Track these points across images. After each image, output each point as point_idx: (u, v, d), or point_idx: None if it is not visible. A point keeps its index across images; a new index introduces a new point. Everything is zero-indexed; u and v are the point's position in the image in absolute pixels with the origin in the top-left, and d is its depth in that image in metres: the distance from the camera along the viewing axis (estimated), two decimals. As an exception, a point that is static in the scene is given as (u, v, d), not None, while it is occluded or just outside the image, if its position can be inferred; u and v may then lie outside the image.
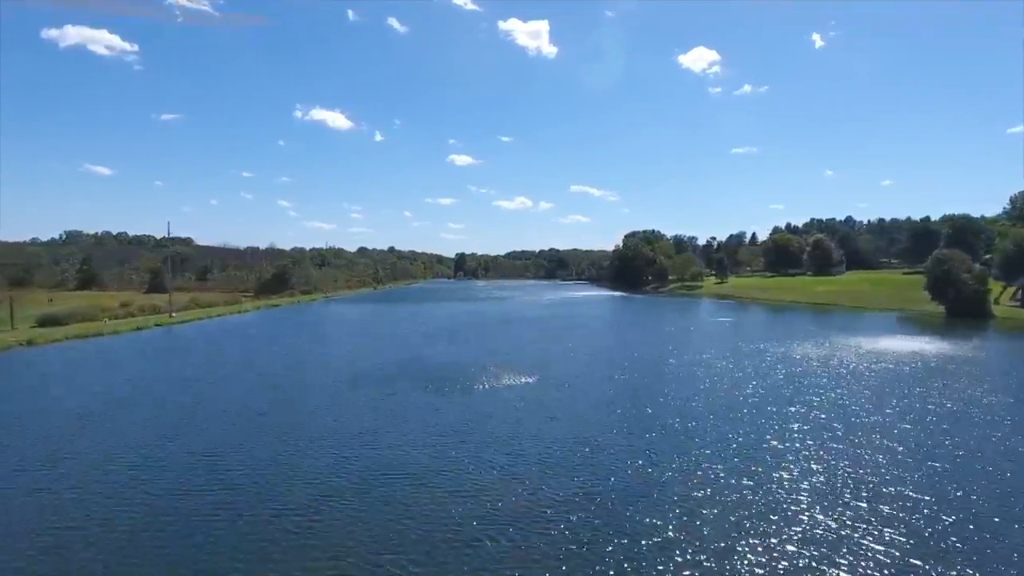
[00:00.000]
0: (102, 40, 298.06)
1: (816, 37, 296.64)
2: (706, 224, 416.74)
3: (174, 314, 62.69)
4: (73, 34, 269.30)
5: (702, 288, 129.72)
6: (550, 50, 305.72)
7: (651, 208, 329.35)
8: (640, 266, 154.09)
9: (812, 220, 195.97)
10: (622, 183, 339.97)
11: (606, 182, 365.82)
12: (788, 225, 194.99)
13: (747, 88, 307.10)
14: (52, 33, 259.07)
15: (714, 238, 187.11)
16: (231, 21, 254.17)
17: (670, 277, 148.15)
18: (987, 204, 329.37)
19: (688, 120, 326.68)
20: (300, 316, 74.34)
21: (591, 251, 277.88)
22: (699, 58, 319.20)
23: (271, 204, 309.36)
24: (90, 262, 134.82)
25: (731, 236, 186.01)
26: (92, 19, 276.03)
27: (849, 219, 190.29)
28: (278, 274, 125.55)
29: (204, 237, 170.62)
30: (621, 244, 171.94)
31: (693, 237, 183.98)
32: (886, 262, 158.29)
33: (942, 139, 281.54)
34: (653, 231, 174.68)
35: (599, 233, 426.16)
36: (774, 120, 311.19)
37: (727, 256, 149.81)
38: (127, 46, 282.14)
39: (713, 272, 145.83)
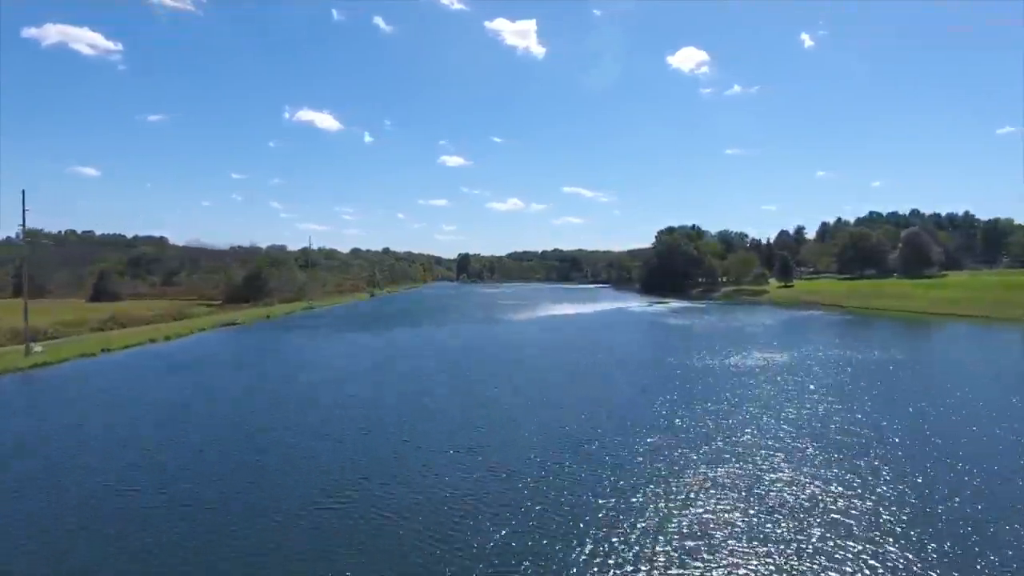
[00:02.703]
0: (84, 39, 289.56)
1: (805, 37, 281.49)
2: (703, 225, 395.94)
3: (39, 347, 40.75)
4: (54, 32, 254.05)
5: (768, 293, 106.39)
6: (538, 50, 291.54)
7: (645, 209, 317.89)
8: (682, 267, 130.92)
9: (871, 214, 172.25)
10: (615, 184, 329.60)
11: (599, 183, 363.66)
12: (839, 220, 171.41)
13: (737, 88, 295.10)
14: (33, 32, 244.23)
15: (746, 235, 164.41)
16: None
17: (721, 279, 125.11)
18: (982, 204, 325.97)
19: (680, 121, 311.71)
20: (249, 352, 52.38)
21: (596, 251, 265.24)
22: (688, 58, 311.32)
23: (263, 205, 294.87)
24: (30, 265, 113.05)
25: (782, 231, 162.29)
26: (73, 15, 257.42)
27: (915, 212, 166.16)
28: (250, 277, 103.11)
29: (199, 240, 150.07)
30: (655, 241, 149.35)
31: (742, 234, 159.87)
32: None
33: (932, 139, 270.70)
34: (694, 226, 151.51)
35: (595, 234, 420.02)
36: (765, 121, 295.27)
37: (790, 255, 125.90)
38: (110, 45, 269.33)
39: (773, 274, 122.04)
